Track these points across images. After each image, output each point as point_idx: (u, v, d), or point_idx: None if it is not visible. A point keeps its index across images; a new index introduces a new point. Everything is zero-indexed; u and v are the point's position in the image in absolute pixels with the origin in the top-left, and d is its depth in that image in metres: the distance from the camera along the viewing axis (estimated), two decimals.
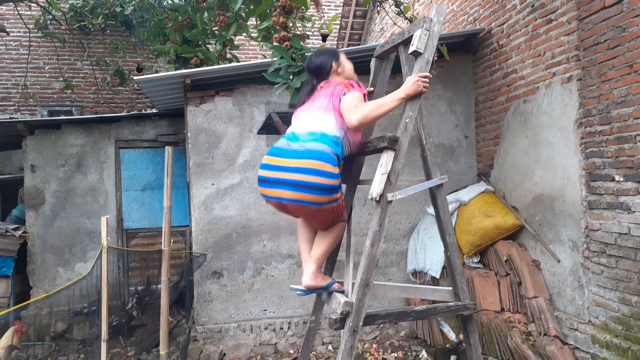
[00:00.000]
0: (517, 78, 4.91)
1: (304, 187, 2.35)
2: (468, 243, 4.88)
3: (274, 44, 3.64)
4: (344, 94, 2.51)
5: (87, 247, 6.34)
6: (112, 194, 6.52)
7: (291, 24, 3.87)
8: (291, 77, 3.49)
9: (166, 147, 4.07)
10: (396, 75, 4.68)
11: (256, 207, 5.20)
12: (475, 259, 4.98)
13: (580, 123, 4.05)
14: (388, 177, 2.34)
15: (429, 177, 2.66)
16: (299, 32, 3.87)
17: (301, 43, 3.65)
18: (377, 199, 2.35)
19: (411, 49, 2.42)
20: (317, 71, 2.77)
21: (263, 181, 2.51)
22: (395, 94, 2.41)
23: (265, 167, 2.51)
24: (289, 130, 2.63)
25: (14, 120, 6.12)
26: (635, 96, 3.48)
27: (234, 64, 5.77)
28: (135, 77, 4.77)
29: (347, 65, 2.80)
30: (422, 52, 2.41)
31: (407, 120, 2.39)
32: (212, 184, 5.14)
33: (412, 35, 2.45)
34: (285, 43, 3.63)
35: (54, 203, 6.28)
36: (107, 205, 6.47)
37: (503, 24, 5.11)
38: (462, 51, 5.75)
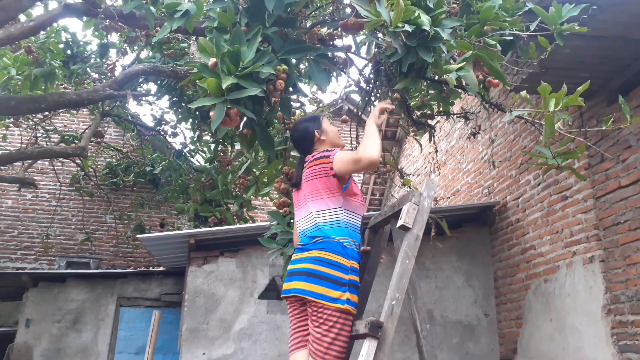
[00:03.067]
0: (535, 255, 4.61)
1: (312, 276, 2.16)
2: None
3: (273, 209, 3.55)
4: (330, 168, 2.28)
5: None
6: (104, 355, 6.07)
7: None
8: (286, 243, 3.31)
9: (154, 311, 3.81)
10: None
11: None
12: None
13: (609, 310, 3.61)
14: None
15: None
16: None
17: None
18: None
19: (399, 223, 2.24)
20: (300, 143, 2.55)
21: (286, 275, 2.35)
22: (370, 126, 2.33)
23: (292, 261, 2.36)
24: (298, 228, 2.44)
25: (18, 272, 6.04)
26: None
27: (237, 225, 5.70)
28: (139, 236, 4.70)
29: (330, 130, 2.54)
30: (410, 227, 2.21)
31: (393, 302, 2.09)
32: (203, 354, 4.70)
33: (401, 209, 2.29)
34: (285, 209, 3.52)
35: None
36: None
37: (518, 198, 4.97)
38: (478, 223, 5.57)
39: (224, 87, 2.14)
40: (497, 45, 2.83)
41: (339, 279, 2.14)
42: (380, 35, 3.26)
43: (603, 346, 3.63)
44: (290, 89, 2.60)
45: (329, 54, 2.84)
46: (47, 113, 8.05)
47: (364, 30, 2.63)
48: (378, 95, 4.02)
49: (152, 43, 6.49)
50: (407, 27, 2.26)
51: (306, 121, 2.59)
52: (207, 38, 2.33)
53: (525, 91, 2.60)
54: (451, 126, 6.76)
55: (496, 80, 3.25)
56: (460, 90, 4.59)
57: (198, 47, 2.26)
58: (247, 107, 2.30)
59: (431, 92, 4.45)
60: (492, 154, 5.13)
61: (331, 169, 2.27)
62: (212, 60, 2.19)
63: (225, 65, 2.20)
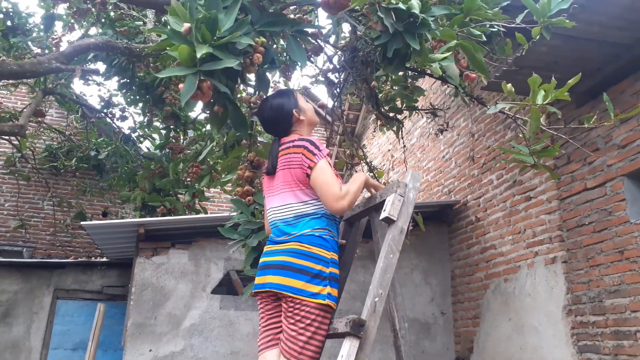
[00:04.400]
0: (496, 254, 4.61)
1: (289, 269, 1.96)
2: None
3: (236, 197, 3.31)
4: (308, 166, 2.03)
5: None
6: (37, 351, 5.61)
7: (258, 180, 3.60)
8: (249, 234, 3.09)
9: (99, 304, 3.48)
10: (368, 240, 4.34)
11: None
12: None
13: (570, 310, 3.63)
14: None
15: None
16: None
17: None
18: None
19: (383, 214, 2.08)
20: (275, 124, 2.24)
21: (258, 268, 2.12)
22: (360, 178, 2.16)
23: (264, 254, 2.13)
24: (269, 218, 2.19)
25: None
26: (630, 286, 3.13)
27: (192, 215, 5.41)
28: (83, 223, 4.33)
29: (307, 108, 2.29)
30: (395, 219, 2.06)
31: (376, 299, 1.93)
32: (150, 350, 4.39)
33: (385, 200, 2.14)
34: (248, 198, 3.30)
35: None
36: None
37: (479, 197, 4.96)
38: (437, 221, 5.54)
39: (198, 56, 1.90)
40: (482, 35, 2.74)
41: (319, 273, 1.95)
42: (359, 19, 3.13)
43: (562, 346, 3.64)
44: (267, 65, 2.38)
45: (309, 30, 2.64)
46: None
47: (346, 10, 2.47)
48: (349, 82, 3.87)
49: (103, 20, 6.06)
50: (401, 5, 2.10)
51: (279, 97, 2.28)
52: (179, 1, 2.08)
53: (510, 84, 2.51)
54: (412, 124, 6.72)
55: (473, 75, 3.17)
56: (424, 89, 4.52)
57: (169, 10, 2.01)
58: (220, 81, 2.08)
59: (395, 88, 4.35)
60: (473, 148, 5.05)
61: (309, 172, 2.04)
62: (186, 25, 1.95)
63: (200, 33, 1.96)
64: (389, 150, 7.46)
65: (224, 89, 2.05)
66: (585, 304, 3.48)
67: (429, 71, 3.14)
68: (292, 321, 1.93)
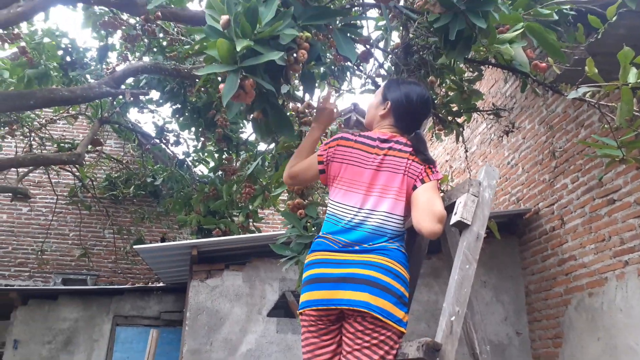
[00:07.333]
0: (576, 266, 4.15)
1: (378, 287, 1.63)
2: None
3: (286, 211, 3.11)
4: (422, 180, 1.76)
5: None
6: None
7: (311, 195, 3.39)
8: (302, 249, 2.88)
9: (151, 330, 3.34)
10: (430, 256, 4.02)
11: None
12: None
13: None
14: None
15: None
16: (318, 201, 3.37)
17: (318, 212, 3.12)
18: None
19: (454, 219, 1.79)
20: (418, 122, 1.93)
21: (318, 281, 1.71)
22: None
23: (320, 263, 1.74)
24: (345, 215, 1.80)
25: (5, 288, 5.58)
26: None
27: (244, 235, 5.26)
28: (136, 247, 4.26)
29: None
30: (469, 223, 1.77)
31: (452, 318, 1.64)
32: None
33: (455, 202, 1.85)
34: (300, 211, 3.09)
35: None
36: None
37: (552, 204, 4.52)
38: (506, 233, 5.11)
39: (238, 49, 1.72)
40: (553, 14, 2.43)
41: (402, 296, 1.67)
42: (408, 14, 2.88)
43: None
44: (313, 62, 2.18)
45: (358, 22, 2.43)
46: (43, 121, 7.69)
47: None
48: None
49: (155, 49, 6.14)
50: None
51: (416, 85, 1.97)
52: None
53: (593, 67, 2.17)
54: (471, 131, 6.35)
55: (543, 64, 2.84)
56: (482, 92, 4.18)
57: (206, 4, 1.86)
58: (263, 79, 1.89)
59: (451, 93, 4.04)
60: (553, 142, 4.58)
61: (418, 185, 1.76)
62: (225, 17, 1.78)
63: (239, 26, 1.79)
64: (447, 160, 7.09)
65: (269, 86, 1.85)
66: None
67: (493, 61, 2.83)
68: (366, 345, 1.64)
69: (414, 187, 1.77)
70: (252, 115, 2.20)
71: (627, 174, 3.62)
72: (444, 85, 3.91)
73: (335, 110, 2.18)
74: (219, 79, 1.79)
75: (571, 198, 4.25)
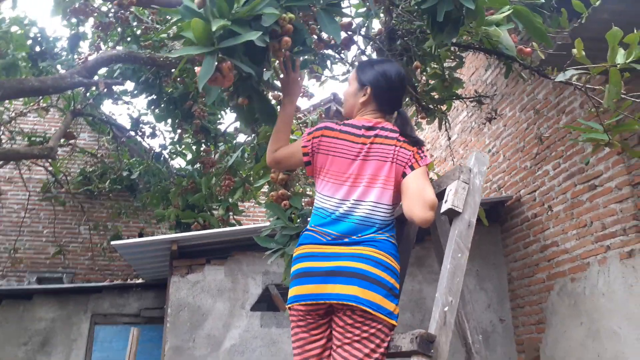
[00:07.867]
0: (558, 252, 4.17)
1: (368, 280, 1.58)
2: None
3: (270, 202, 3.02)
4: (411, 166, 1.70)
5: None
6: None
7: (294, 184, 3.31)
8: (287, 241, 2.79)
9: (132, 328, 3.24)
10: (415, 245, 3.98)
11: None
12: None
13: None
14: None
15: None
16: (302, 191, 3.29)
17: (303, 203, 3.03)
18: None
19: (445, 206, 1.74)
20: (400, 100, 1.90)
21: (306, 275, 1.65)
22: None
23: (308, 256, 1.67)
24: (330, 207, 1.74)
25: None
26: None
27: (226, 228, 5.15)
28: (113, 243, 4.13)
29: None
30: (460, 211, 1.72)
31: (446, 309, 1.59)
32: None
33: (445, 189, 1.80)
34: (284, 202, 3.00)
35: None
36: None
37: (534, 191, 4.53)
38: (488, 221, 5.11)
39: (213, 29, 1.63)
40: None
41: (393, 288, 1.61)
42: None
43: None
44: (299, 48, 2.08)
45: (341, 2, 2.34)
46: (13, 114, 7.42)
47: None
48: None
49: (129, 38, 5.95)
50: None
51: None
52: None
53: (582, 49, 2.14)
54: (452, 119, 6.33)
55: (528, 49, 2.81)
56: (462, 80, 4.14)
57: None
58: (243, 62, 1.79)
59: (432, 82, 4.00)
60: (535, 129, 4.56)
61: (407, 171, 1.69)
62: None
63: (215, 5, 1.69)
64: (428, 149, 7.08)
65: (247, 69, 1.76)
66: None
67: (477, 45, 2.78)
68: (356, 338, 1.58)
69: (404, 175, 1.71)
70: (234, 102, 2.11)
71: (609, 160, 3.63)
72: (425, 73, 3.87)
73: (299, 78, 2.10)
74: (196, 68, 1.68)
75: (553, 184, 4.26)
